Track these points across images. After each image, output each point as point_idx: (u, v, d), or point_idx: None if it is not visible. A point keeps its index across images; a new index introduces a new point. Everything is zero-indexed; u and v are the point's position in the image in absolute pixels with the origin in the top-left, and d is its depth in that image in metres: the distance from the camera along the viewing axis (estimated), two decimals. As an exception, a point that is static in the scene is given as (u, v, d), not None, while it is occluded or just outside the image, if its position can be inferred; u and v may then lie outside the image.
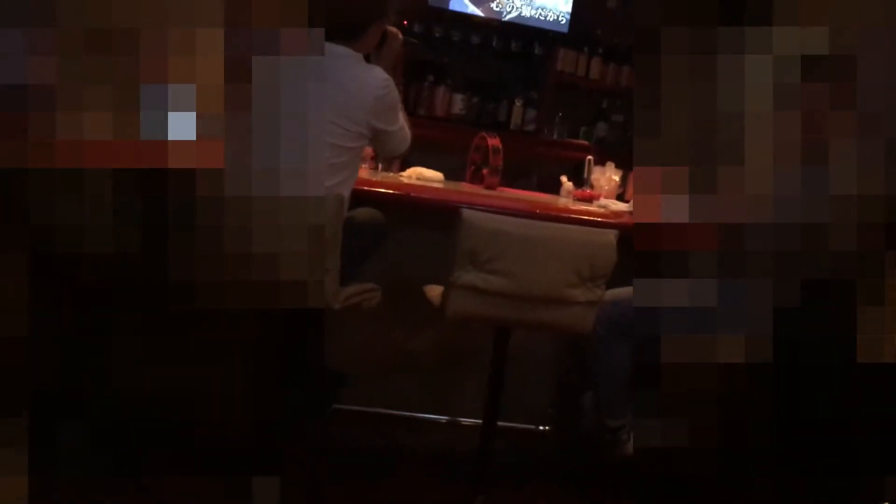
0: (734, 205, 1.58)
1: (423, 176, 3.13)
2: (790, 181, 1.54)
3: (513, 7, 5.34)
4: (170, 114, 1.25)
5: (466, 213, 2.27)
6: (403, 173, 3.18)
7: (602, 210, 3.07)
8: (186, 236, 1.26)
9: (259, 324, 1.37)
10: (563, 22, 5.40)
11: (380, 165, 3.19)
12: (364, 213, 2.56)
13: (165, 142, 1.25)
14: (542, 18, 5.39)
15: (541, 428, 3.26)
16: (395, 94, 2.48)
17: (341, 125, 2.37)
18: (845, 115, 1.53)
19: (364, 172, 2.84)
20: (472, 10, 5.29)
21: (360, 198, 2.58)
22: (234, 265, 1.29)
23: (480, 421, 2.59)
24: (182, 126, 1.24)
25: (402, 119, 2.55)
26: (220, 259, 1.28)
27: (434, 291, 2.41)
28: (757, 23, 1.56)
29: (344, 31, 2.43)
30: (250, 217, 1.29)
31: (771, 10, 1.55)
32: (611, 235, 2.34)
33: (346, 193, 2.41)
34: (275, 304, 1.33)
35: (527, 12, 5.36)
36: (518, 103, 5.49)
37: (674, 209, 1.63)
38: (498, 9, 5.33)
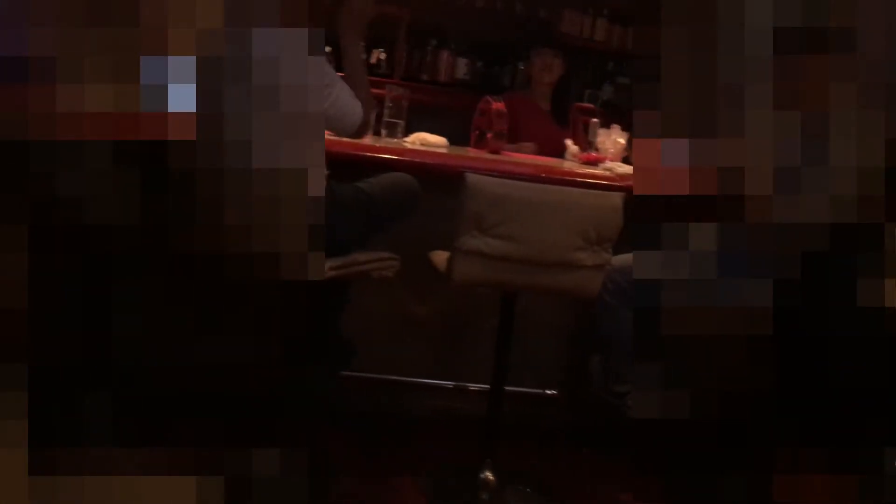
0: (734, 174, 1.58)
1: (426, 141, 3.12)
2: (790, 152, 1.54)
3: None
4: (169, 86, 1.25)
5: (471, 177, 2.26)
6: (407, 139, 3.16)
7: (608, 173, 3.05)
8: (184, 207, 1.26)
9: (262, 294, 1.37)
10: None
11: (383, 132, 3.18)
12: (377, 181, 2.51)
13: (165, 114, 1.25)
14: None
15: (548, 392, 3.27)
16: None
17: None
18: (845, 87, 1.52)
19: (368, 138, 2.82)
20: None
21: (364, 164, 2.57)
22: (228, 237, 1.29)
23: (488, 386, 2.60)
24: (182, 98, 1.24)
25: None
26: (218, 230, 1.29)
27: (440, 257, 2.41)
28: None
29: None
30: (248, 188, 1.29)
31: None
32: (617, 198, 2.33)
33: None
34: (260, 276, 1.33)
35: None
36: (522, 67, 5.44)
37: (673, 179, 1.64)
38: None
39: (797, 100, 1.52)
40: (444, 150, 3.10)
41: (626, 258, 2.50)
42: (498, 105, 3.26)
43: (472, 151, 3.29)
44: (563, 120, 4.03)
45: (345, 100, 2.40)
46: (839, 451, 1.56)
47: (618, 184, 2.81)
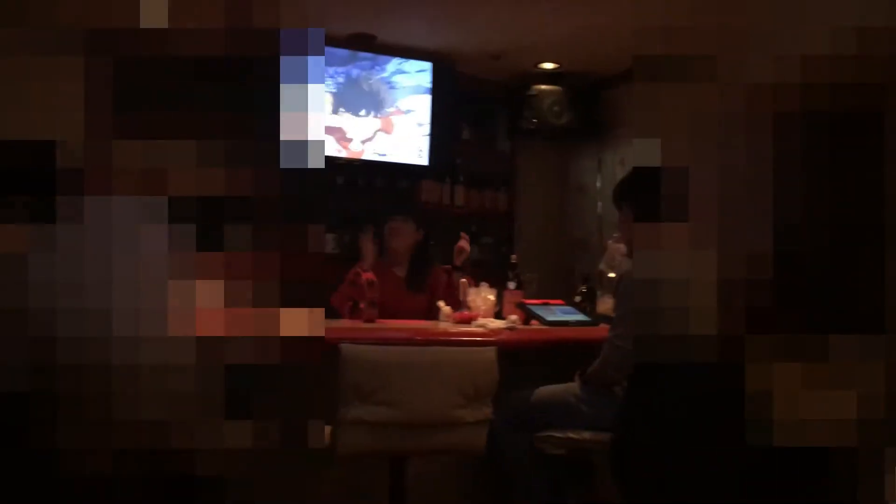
0: None
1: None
2: None
3: (373, 147, 5.50)
4: None
5: (346, 347, 2.28)
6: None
7: (480, 329, 3.13)
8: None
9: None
10: (422, 155, 5.60)
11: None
12: None
13: None
14: (404, 153, 5.58)
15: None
16: None
17: None
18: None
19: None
20: (334, 151, 5.40)
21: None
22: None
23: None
24: None
25: None
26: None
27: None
28: None
29: None
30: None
31: None
32: (491, 353, 2.39)
33: None
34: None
35: (387, 150, 5.54)
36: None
37: None
38: (358, 149, 5.48)
39: None
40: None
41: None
42: (368, 275, 3.34)
43: (346, 322, 3.32)
44: (417, 286, 3.97)
45: None
46: None
47: (491, 339, 2.89)
